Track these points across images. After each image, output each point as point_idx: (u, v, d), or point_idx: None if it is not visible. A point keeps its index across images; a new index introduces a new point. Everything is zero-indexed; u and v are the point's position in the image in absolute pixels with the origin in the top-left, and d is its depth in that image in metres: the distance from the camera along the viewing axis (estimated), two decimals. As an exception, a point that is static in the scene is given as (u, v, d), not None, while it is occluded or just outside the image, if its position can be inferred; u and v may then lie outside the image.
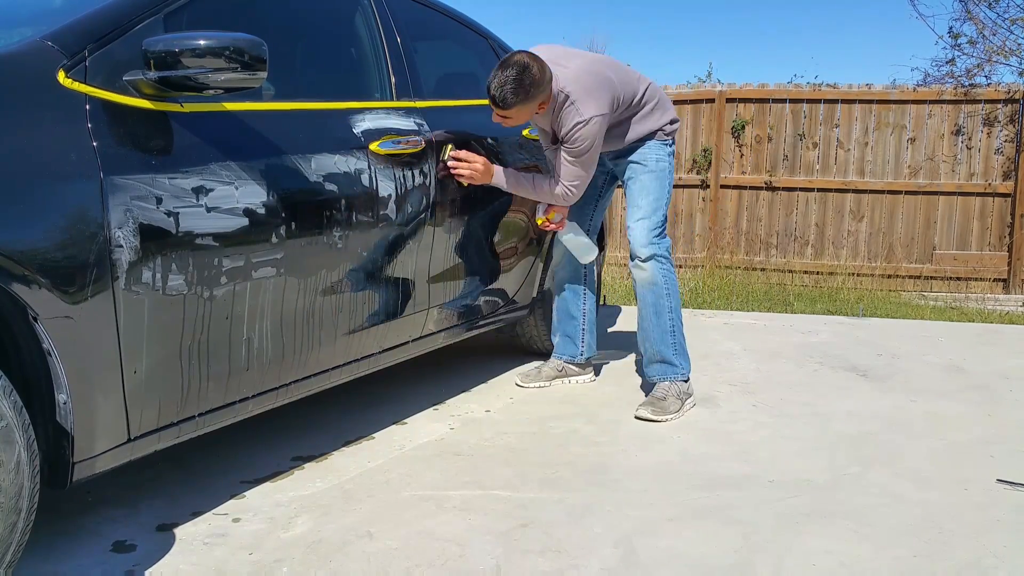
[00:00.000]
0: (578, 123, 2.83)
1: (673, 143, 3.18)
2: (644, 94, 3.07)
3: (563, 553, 1.91)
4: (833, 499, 2.24)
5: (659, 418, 2.91)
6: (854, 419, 2.95)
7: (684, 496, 2.25)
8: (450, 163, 2.76)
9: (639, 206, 3.07)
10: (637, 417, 2.93)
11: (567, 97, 2.83)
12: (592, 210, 3.29)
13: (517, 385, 3.33)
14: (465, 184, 2.84)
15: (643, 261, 3.03)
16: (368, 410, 2.93)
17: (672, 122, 3.15)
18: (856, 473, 2.44)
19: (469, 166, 2.79)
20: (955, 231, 7.38)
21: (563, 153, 2.92)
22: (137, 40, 1.80)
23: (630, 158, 3.11)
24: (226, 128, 1.98)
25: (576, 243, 3.18)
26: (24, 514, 1.53)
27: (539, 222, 3.13)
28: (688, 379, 3.09)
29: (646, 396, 3.07)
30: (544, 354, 3.71)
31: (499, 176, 2.94)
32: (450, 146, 2.79)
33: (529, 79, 2.69)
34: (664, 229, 3.09)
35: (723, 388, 3.32)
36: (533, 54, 2.77)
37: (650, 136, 3.10)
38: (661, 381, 3.06)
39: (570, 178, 2.94)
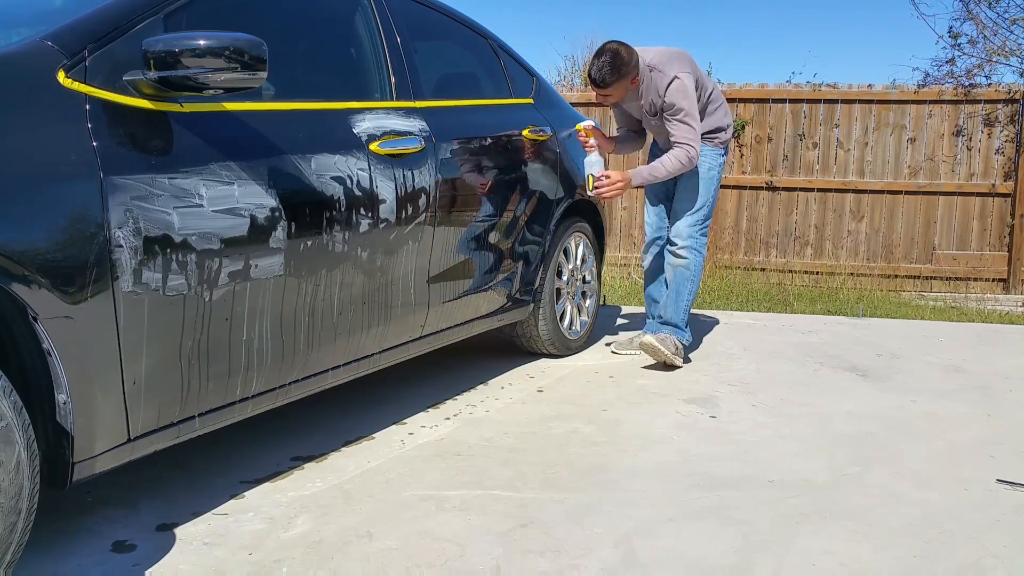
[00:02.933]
0: (667, 82, 3.31)
1: (726, 152, 3.64)
2: (712, 92, 3.54)
3: (563, 553, 1.91)
4: (833, 499, 2.24)
5: (659, 346, 3.47)
6: (854, 419, 2.95)
7: (684, 496, 2.25)
8: (595, 192, 3.42)
9: (686, 203, 3.55)
10: (641, 343, 3.53)
11: (652, 68, 3.34)
12: (668, 206, 3.71)
13: (612, 352, 3.82)
14: (605, 200, 3.49)
15: (680, 249, 3.55)
16: (368, 410, 2.93)
17: (727, 129, 3.59)
18: (856, 473, 2.44)
19: (612, 187, 3.39)
20: (955, 231, 7.37)
21: (667, 117, 3.37)
22: (137, 40, 1.80)
23: None
24: (226, 128, 1.99)
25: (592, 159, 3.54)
26: (24, 514, 1.53)
27: (589, 188, 3.51)
28: (685, 344, 3.63)
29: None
30: (544, 354, 3.71)
31: (636, 178, 3.44)
32: (591, 177, 3.41)
33: (620, 60, 3.25)
34: (705, 227, 3.58)
35: (723, 388, 3.32)
36: (621, 42, 3.29)
37: (709, 138, 3.54)
38: (668, 335, 3.56)
39: (684, 136, 3.36)
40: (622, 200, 7.55)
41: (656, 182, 3.53)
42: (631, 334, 3.96)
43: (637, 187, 3.52)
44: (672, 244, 3.58)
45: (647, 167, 3.47)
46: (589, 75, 3.30)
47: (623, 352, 3.80)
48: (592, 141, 3.46)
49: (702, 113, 3.49)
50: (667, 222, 3.70)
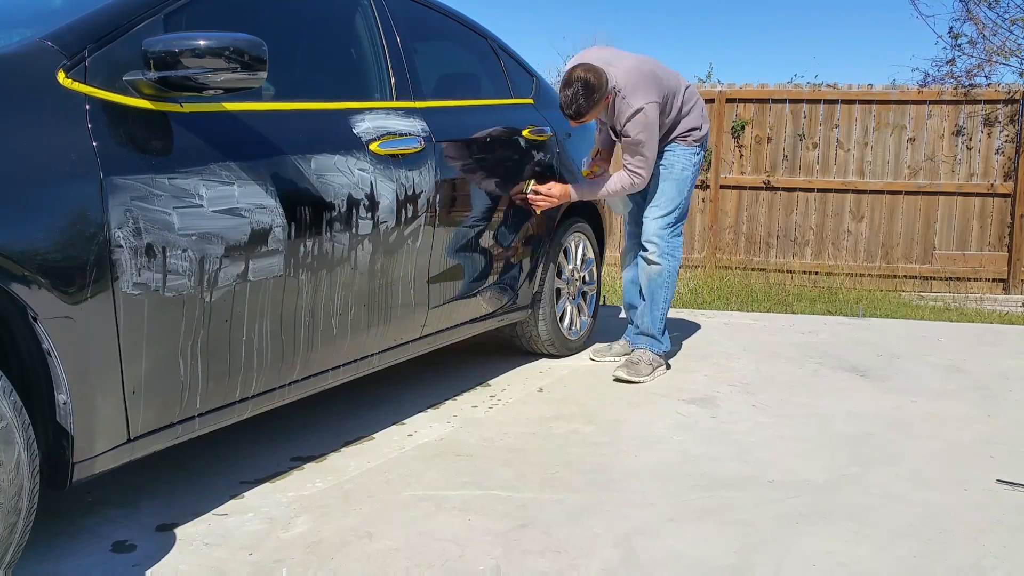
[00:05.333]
0: (631, 114, 3.20)
1: (702, 150, 3.52)
2: (684, 94, 3.42)
3: (563, 553, 1.91)
4: (833, 499, 2.24)
5: (633, 379, 3.33)
6: (854, 419, 2.95)
7: (684, 496, 2.25)
8: (530, 197, 3.23)
9: (657, 204, 3.44)
10: (615, 378, 3.36)
11: (618, 92, 3.21)
12: (645, 206, 3.55)
13: (591, 359, 3.71)
14: (539, 212, 3.29)
15: (652, 255, 3.43)
16: (368, 410, 2.93)
17: (699, 129, 3.47)
18: (856, 473, 2.44)
19: (548, 198, 3.25)
20: (955, 231, 7.38)
21: (624, 142, 3.30)
22: (137, 40, 1.80)
23: (660, 161, 3.43)
24: (226, 128, 1.98)
25: (613, 199, 3.60)
26: (24, 514, 1.53)
27: (584, 173, 3.55)
28: (663, 355, 3.53)
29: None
30: (544, 355, 3.71)
31: (576, 194, 3.38)
32: (532, 181, 3.24)
33: (590, 89, 3.10)
34: (677, 229, 3.48)
35: (723, 388, 3.32)
36: (587, 66, 3.14)
37: (683, 137, 3.44)
38: (643, 350, 3.46)
39: (634, 164, 3.30)
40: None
41: (594, 199, 3.49)
42: (610, 341, 3.81)
43: (575, 201, 3.44)
44: (644, 249, 3.46)
45: (588, 183, 3.45)
46: (560, 108, 3.18)
47: (600, 359, 3.68)
48: (598, 171, 3.53)
49: (676, 116, 3.40)
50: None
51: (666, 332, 3.54)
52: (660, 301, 3.46)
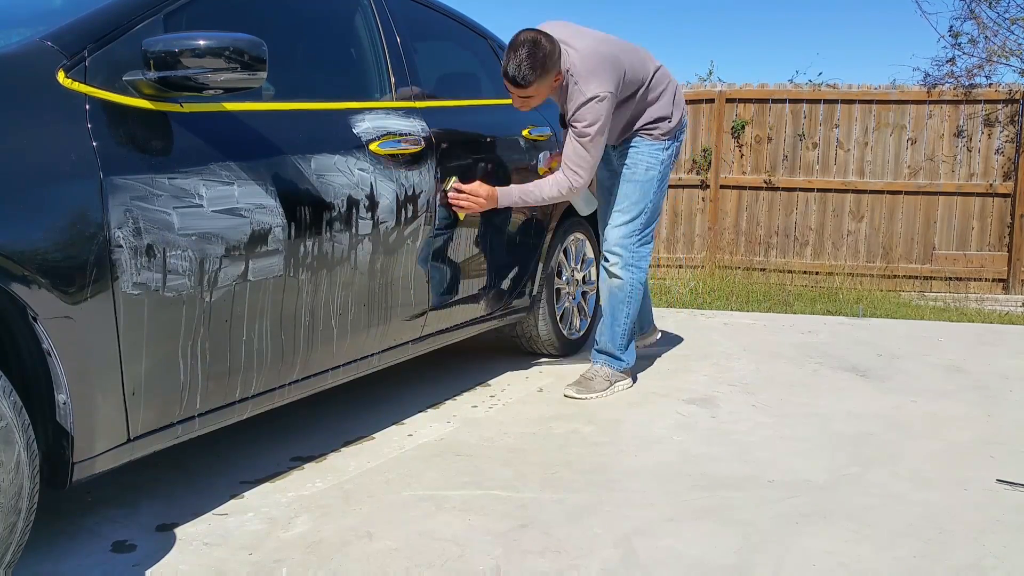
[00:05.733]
0: (582, 102, 2.83)
1: (672, 146, 3.13)
2: (652, 78, 3.03)
3: (563, 553, 1.91)
4: (833, 499, 2.24)
5: (583, 396, 3.09)
6: (854, 419, 2.95)
7: (684, 496, 2.25)
8: (451, 195, 2.77)
9: (619, 209, 3.10)
10: (565, 395, 3.12)
11: (572, 77, 2.85)
12: (608, 210, 3.20)
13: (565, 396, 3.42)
14: (461, 217, 2.83)
15: (613, 266, 3.12)
16: (368, 410, 2.93)
17: (671, 119, 3.07)
18: (856, 473, 2.44)
19: (471, 198, 2.80)
20: (955, 231, 7.38)
21: (569, 133, 2.92)
22: (137, 40, 1.80)
23: (625, 160, 3.11)
24: (226, 128, 1.98)
25: (575, 198, 3.20)
26: (24, 514, 1.53)
27: (540, 172, 3.23)
28: (626, 370, 3.25)
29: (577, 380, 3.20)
30: (544, 355, 3.71)
31: (504, 198, 2.94)
32: (454, 178, 2.79)
33: (542, 52, 2.73)
34: (644, 236, 3.13)
35: (723, 388, 3.32)
36: (538, 29, 2.80)
37: (647, 131, 3.06)
38: (600, 366, 3.21)
39: (574, 160, 2.90)
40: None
41: (524, 205, 3.06)
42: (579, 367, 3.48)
43: (504, 207, 2.99)
44: (605, 260, 3.12)
45: (519, 187, 2.99)
46: (504, 72, 2.78)
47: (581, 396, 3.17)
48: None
49: (642, 105, 3.03)
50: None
51: (631, 346, 3.24)
52: (621, 318, 3.14)
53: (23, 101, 1.60)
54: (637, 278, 3.12)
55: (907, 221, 7.45)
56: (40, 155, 1.57)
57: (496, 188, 2.91)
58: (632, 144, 3.09)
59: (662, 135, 3.09)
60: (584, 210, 3.34)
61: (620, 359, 3.21)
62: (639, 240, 3.10)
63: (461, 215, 2.84)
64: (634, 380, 3.35)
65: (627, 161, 3.10)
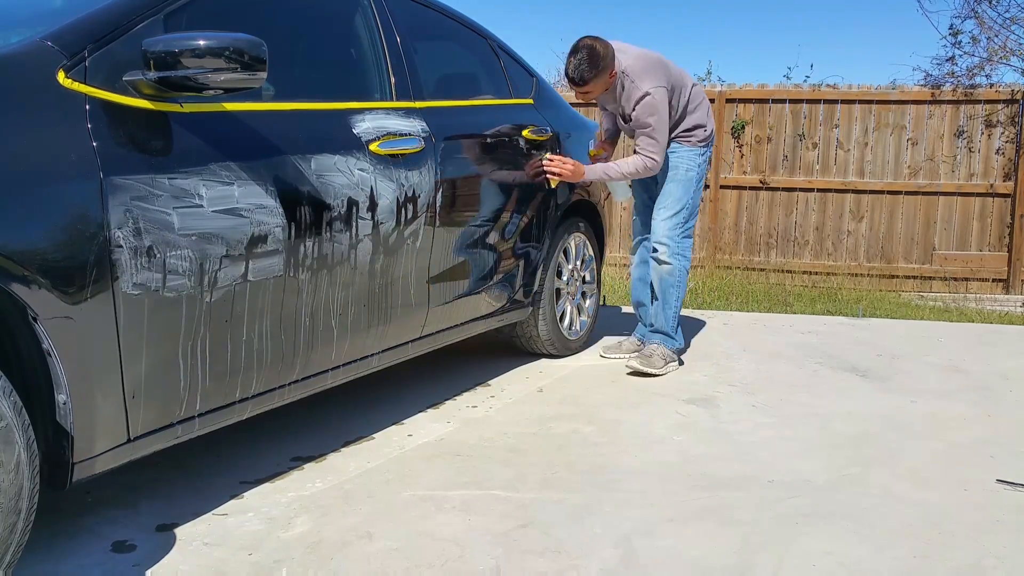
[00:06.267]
0: (639, 96, 3.30)
1: (707, 150, 3.58)
2: (690, 91, 3.49)
3: (563, 553, 1.91)
4: (833, 499, 2.24)
5: (646, 369, 3.42)
6: (854, 419, 2.95)
7: (684, 496, 2.25)
8: (544, 163, 3.30)
9: (665, 206, 3.51)
10: (628, 369, 3.45)
11: (628, 77, 3.31)
12: (652, 208, 3.62)
13: (600, 356, 3.76)
14: (554, 185, 3.36)
15: (662, 255, 3.50)
16: (368, 410, 2.93)
17: (704, 128, 3.52)
18: (856, 473, 2.44)
19: (561, 166, 3.31)
20: (955, 231, 7.38)
21: (635, 128, 3.38)
22: (137, 40, 1.80)
23: (667, 163, 3.49)
24: (226, 128, 1.98)
25: (615, 184, 3.70)
26: (24, 514, 1.53)
27: (591, 153, 3.72)
28: (677, 351, 3.61)
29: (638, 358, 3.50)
30: (544, 355, 3.71)
31: (590, 173, 3.45)
32: (548, 153, 3.35)
33: (597, 55, 3.21)
34: (686, 229, 3.55)
35: (723, 388, 3.32)
36: (594, 36, 3.26)
37: (685, 137, 3.50)
38: (657, 344, 3.54)
39: (647, 150, 3.37)
40: (622, 200, 7.55)
41: (608, 181, 3.57)
42: (620, 338, 3.91)
43: (589, 182, 3.54)
44: (655, 251, 3.54)
45: (602, 165, 3.51)
46: (566, 74, 3.29)
47: (611, 356, 3.74)
48: (603, 155, 3.67)
49: (682, 113, 3.48)
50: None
51: (679, 329, 3.62)
52: (672, 300, 3.55)
53: (23, 101, 1.60)
54: (683, 265, 3.55)
55: (907, 221, 7.45)
56: (40, 155, 1.57)
57: (582, 165, 3.41)
58: (672, 149, 3.50)
59: (699, 142, 3.52)
60: (621, 197, 3.78)
61: (673, 338, 3.57)
62: (682, 232, 3.53)
63: (554, 182, 3.35)
64: (681, 363, 3.66)
65: (669, 164, 3.50)
